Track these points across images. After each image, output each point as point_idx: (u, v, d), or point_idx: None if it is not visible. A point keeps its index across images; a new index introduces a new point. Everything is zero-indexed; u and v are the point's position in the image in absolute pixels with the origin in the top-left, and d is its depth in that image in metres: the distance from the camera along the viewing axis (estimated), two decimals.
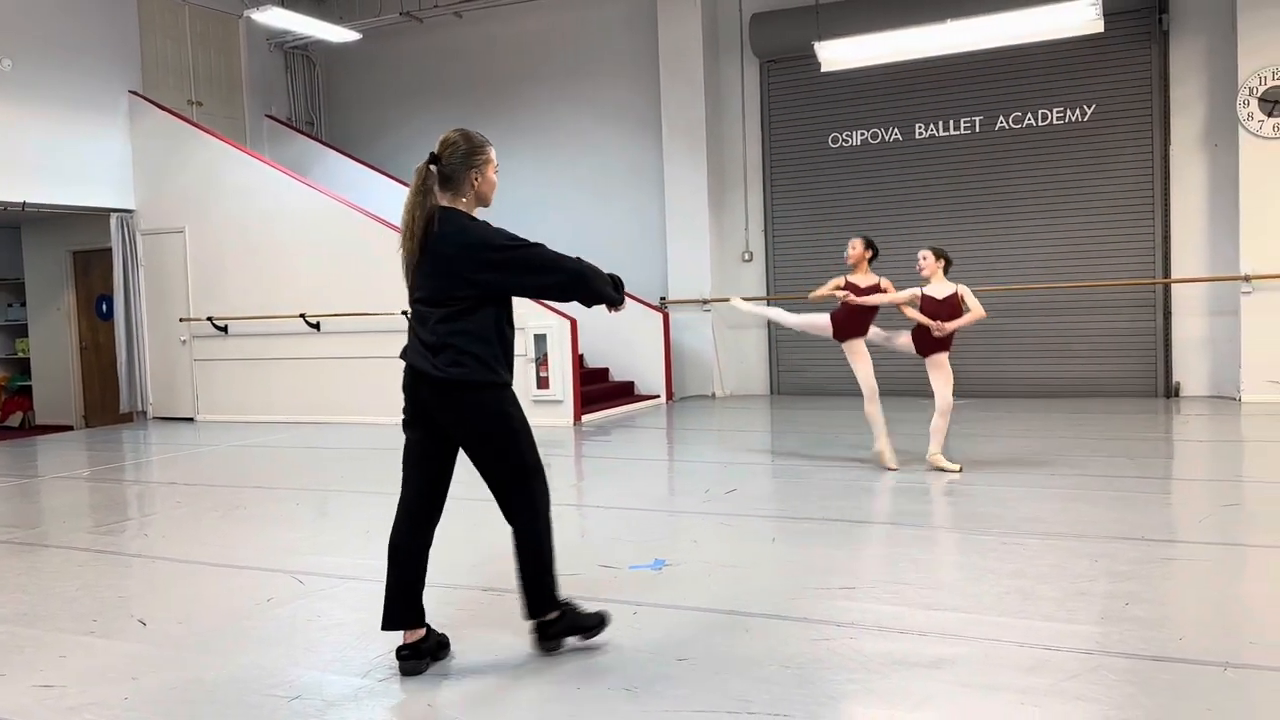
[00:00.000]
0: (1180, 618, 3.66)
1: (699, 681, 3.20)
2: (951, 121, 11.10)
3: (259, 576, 4.71)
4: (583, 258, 3.50)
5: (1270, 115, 9.45)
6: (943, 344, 6.57)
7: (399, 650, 3.42)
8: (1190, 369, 10.25)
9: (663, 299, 12.16)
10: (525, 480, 3.48)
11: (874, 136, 11.44)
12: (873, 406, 6.82)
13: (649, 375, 11.79)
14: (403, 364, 3.41)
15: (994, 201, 10.98)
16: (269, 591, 4.43)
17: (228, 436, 10.08)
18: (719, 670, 3.30)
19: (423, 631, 3.45)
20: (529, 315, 10.03)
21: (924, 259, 6.62)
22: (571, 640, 3.53)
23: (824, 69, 10.06)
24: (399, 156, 13.70)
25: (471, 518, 5.85)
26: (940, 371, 6.61)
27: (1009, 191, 10.90)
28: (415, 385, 3.37)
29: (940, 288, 6.56)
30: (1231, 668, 3.13)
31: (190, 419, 11.62)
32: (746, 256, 12.16)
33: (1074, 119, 10.58)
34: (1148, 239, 10.33)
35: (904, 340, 6.80)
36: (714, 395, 12.02)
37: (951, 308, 6.51)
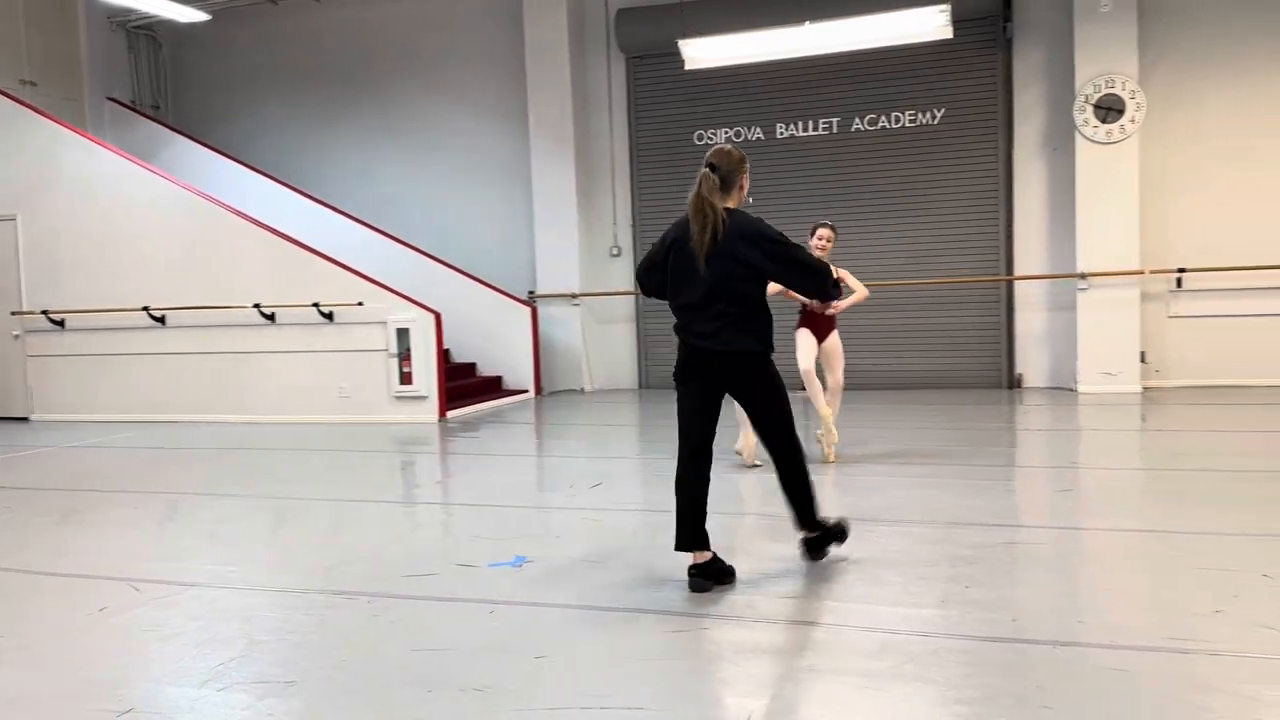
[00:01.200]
0: (1015, 599, 3.84)
1: (556, 679, 3.18)
2: (810, 122, 11.38)
3: (93, 585, 4.45)
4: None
5: (1104, 121, 10.03)
6: (832, 323, 6.85)
7: (690, 569, 4.05)
8: (1031, 362, 10.83)
9: (531, 293, 12.08)
10: (791, 424, 4.21)
11: (737, 135, 11.63)
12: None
13: (517, 370, 11.70)
14: (678, 339, 4.16)
15: (850, 201, 11.32)
16: (102, 601, 4.18)
17: (65, 437, 9.49)
18: (576, 666, 3.29)
19: (709, 555, 4.07)
20: (391, 309, 9.81)
21: (828, 238, 6.63)
22: (834, 551, 4.38)
23: (688, 66, 10.18)
24: (252, 143, 13.18)
25: (330, 519, 5.69)
26: (838, 353, 6.91)
27: (865, 191, 11.26)
28: (705, 360, 4.07)
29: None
30: (1060, 646, 3.31)
31: (24, 419, 10.90)
32: (615, 251, 12.20)
33: (925, 122, 11.00)
34: (993, 238, 10.83)
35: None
36: (583, 390, 12.02)
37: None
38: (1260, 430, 7.71)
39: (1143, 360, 10.20)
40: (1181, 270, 10.11)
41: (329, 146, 13.18)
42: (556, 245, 11.94)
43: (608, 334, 12.27)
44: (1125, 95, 9.91)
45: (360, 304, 9.80)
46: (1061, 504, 5.42)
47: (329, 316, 9.89)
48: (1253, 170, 9.98)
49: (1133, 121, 9.93)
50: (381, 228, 12.19)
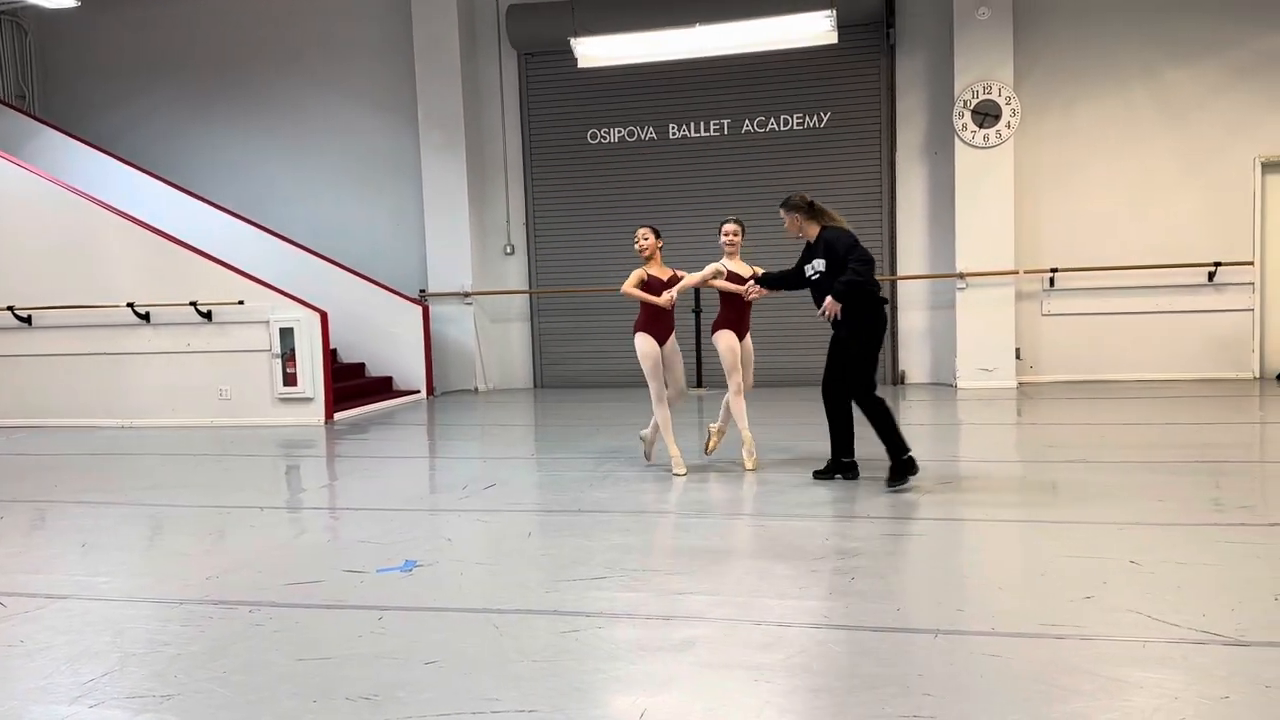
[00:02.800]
0: (900, 590, 3.96)
1: (445, 684, 3.13)
2: (702, 123, 11.51)
3: None
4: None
5: (982, 126, 10.42)
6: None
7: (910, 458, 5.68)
8: (914, 359, 11.18)
9: (422, 291, 11.88)
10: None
11: (630, 134, 11.67)
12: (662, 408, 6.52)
13: (408, 370, 11.49)
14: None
15: (741, 202, 11.45)
16: None
17: None
18: (468, 671, 3.24)
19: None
20: (273, 307, 9.52)
21: (733, 233, 6.47)
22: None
23: (580, 65, 10.16)
24: (126, 135, 12.62)
25: (210, 526, 5.47)
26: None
27: (754, 192, 11.42)
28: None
29: (741, 266, 6.52)
30: (941, 634, 3.42)
31: None
32: (508, 250, 12.10)
33: (812, 125, 11.25)
34: (878, 238, 11.14)
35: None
36: (476, 390, 11.89)
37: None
38: (1127, 423, 8.12)
39: (1018, 357, 10.64)
40: (1054, 270, 10.58)
41: (208, 139, 12.71)
42: (448, 243, 11.78)
43: (502, 333, 12.17)
44: (1001, 101, 10.32)
45: (241, 303, 9.47)
46: (942, 496, 5.60)
47: (207, 316, 9.54)
48: (1120, 173, 10.50)
49: (1008, 127, 10.34)
50: (264, 224, 11.82)
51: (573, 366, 11.85)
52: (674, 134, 11.58)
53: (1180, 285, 10.39)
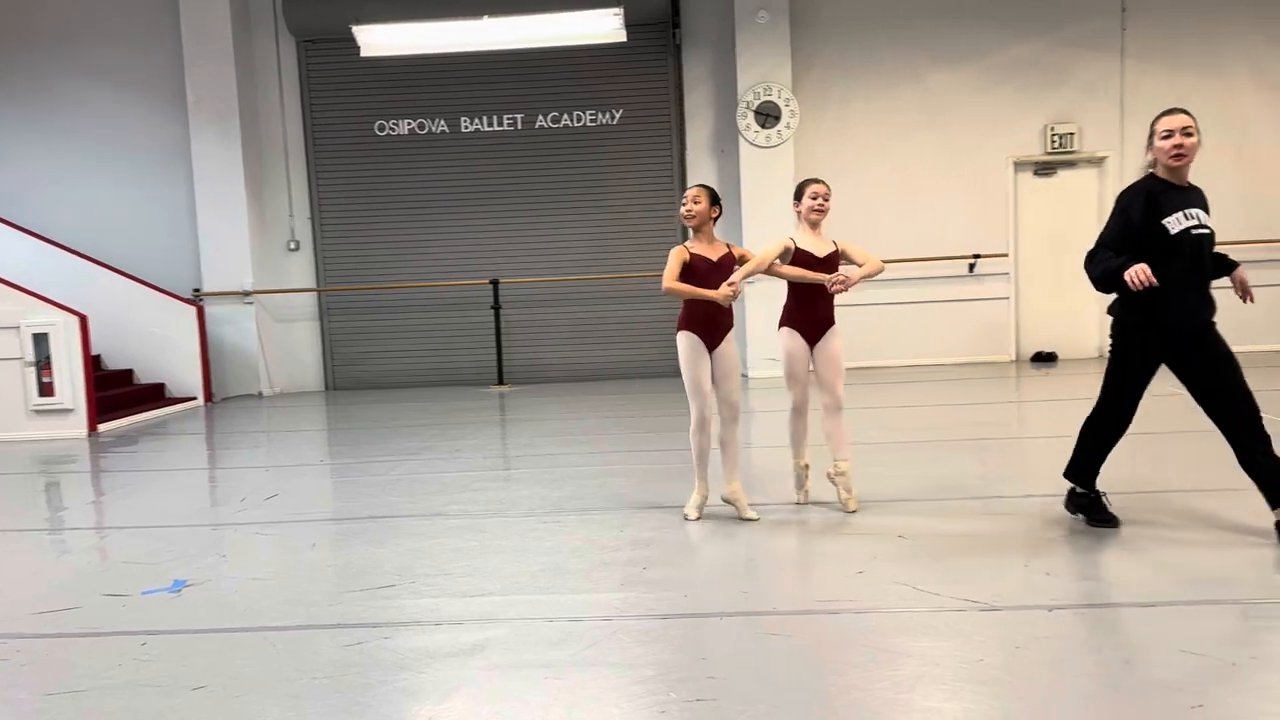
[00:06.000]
0: (689, 577, 4.03)
1: (214, 709, 2.93)
2: (495, 117, 11.38)
3: None
4: (1099, 254, 4.32)
5: (764, 126, 10.82)
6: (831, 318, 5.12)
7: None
8: None
9: (196, 291, 11.15)
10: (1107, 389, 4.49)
11: (420, 127, 11.40)
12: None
13: (183, 375, 10.77)
14: None
15: (535, 197, 11.45)
16: None
17: None
18: (240, 693, 3.05)
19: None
20: (25, 311, 8.68)
21: (827, 198, 5.06)
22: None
23: (364, 54, 9.83)
24: None
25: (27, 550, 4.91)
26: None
27: (549, 187, 11.43)
28: None
29: (818, 243, 5.00)
30: (726, 617, 3.51)
31: None
32: (293, 245, 11.55)
33: (605, 121, 11.34)
34: (670, 234, 11.37)
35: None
36: (261, 394, 11.29)
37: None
38: (901, 406, 8.64)
39: None
40: None
41: None
42: (225, 239, 11.11)
43: (288, 334, 11.60)
44: (780, 102, 10.75)
45: None
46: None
47: None
48: (889, 170, 11.17)
49: (788, 127, 10.79)
50: (14, 220, 10.76)
51: (367, 367, 11.46)
52: (466, 127, 11.40)
53: (945, 276, 11.17)
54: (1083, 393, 9.09)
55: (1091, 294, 11.31)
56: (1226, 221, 10.86)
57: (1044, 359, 11.26)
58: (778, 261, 4.87)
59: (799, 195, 4.99)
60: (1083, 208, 11.27)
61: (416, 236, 11.52)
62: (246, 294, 11.13)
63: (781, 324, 5.02)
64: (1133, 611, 3.38)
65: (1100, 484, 4.55)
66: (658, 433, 7.73)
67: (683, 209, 4.81)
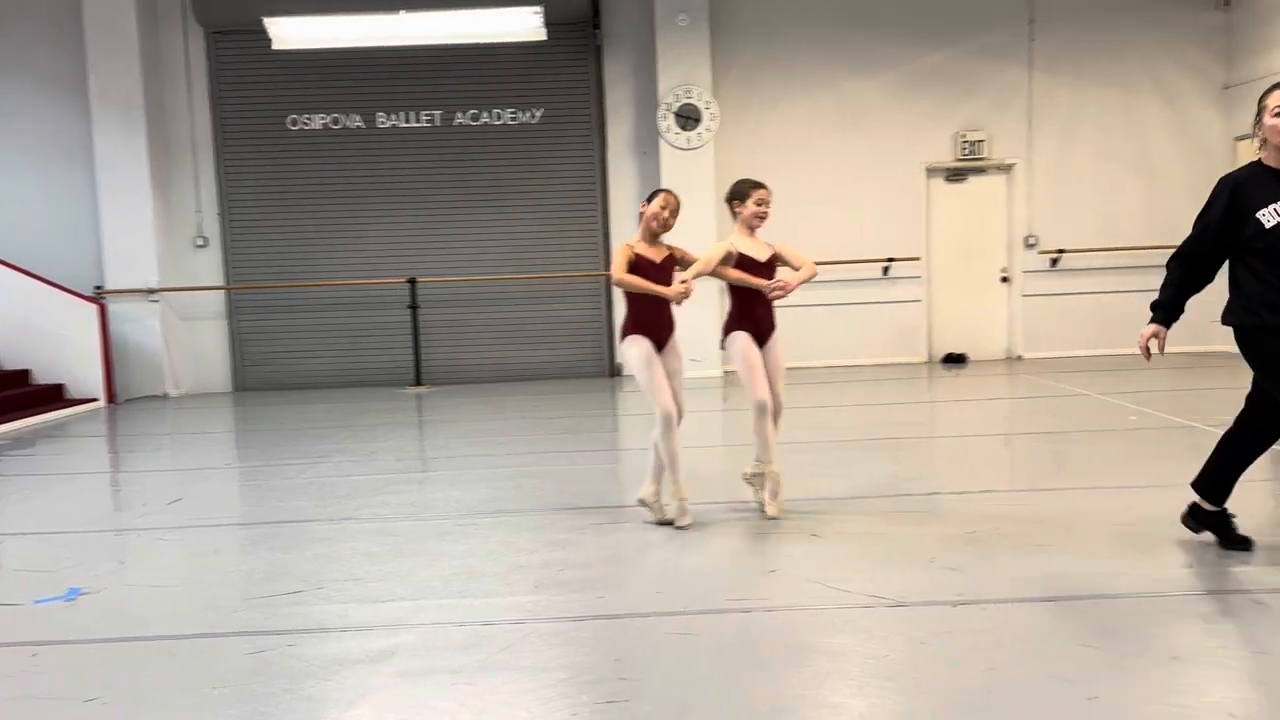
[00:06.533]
0: (603, 578, 4.02)
1: None
2: (413, 113, 11.21)
3: None
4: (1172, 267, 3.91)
5: (685, 129, 10.87)
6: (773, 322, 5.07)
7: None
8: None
9: (98, 288, 10.75)
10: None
11: (335, 121, 11.18)
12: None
13: (83, 376, 10.36)
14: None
15: (455, 195, 11.32)
16: None
17: None
18: (135, 706, 2.94)
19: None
20: None
21: (768, 205, 4.90)
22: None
23: (276, 46, 9.60)
24: None
25: None
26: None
27: (468, 186, 11.31)
28: None
29: (758, 248, 4.90)
30: (639, 617, 3.50)
31: None
32: (200, 242, 11.22)
33: (525, 120, 11.27)
34: (593, 234, 11.36)
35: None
36: (166, 395, 10.94)
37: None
38: (819, 406, 8.76)
39: (722, 347, 11.19)
40: None
41: None
42: (129, 235, 10.73)
43: (195, 333, 11.26)
44: (701, 105, 10.82)
45: None
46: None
47: None
48: (808, 175, 11.28)
49: (709, 129, 10.86)
50: None
51: (277, 367, 11.18)
52: (382, 123, 11.21)
53: (861, 279, 11.37)
54: (992, 393, 9.35)
55: (1001, 297, 11.64)
56: (1128, 229, 11.32)
57: (955, 360, 11.53)
58: (725, 267, 4.78)
59: (741, 198, 4.85)
60: (992, 213, 11.59)
61: (331, 234, 11.29)
62: (151, 292, 10.77)
63: (730, 329, 4.89)
64: (1034, 606, 3.47)
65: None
66: (576, 434, 7.70)
67: (663, 214, 4.69)
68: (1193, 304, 3.93)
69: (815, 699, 2.82)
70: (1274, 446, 3.98)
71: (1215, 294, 3.97)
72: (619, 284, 4.62)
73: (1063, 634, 3.21)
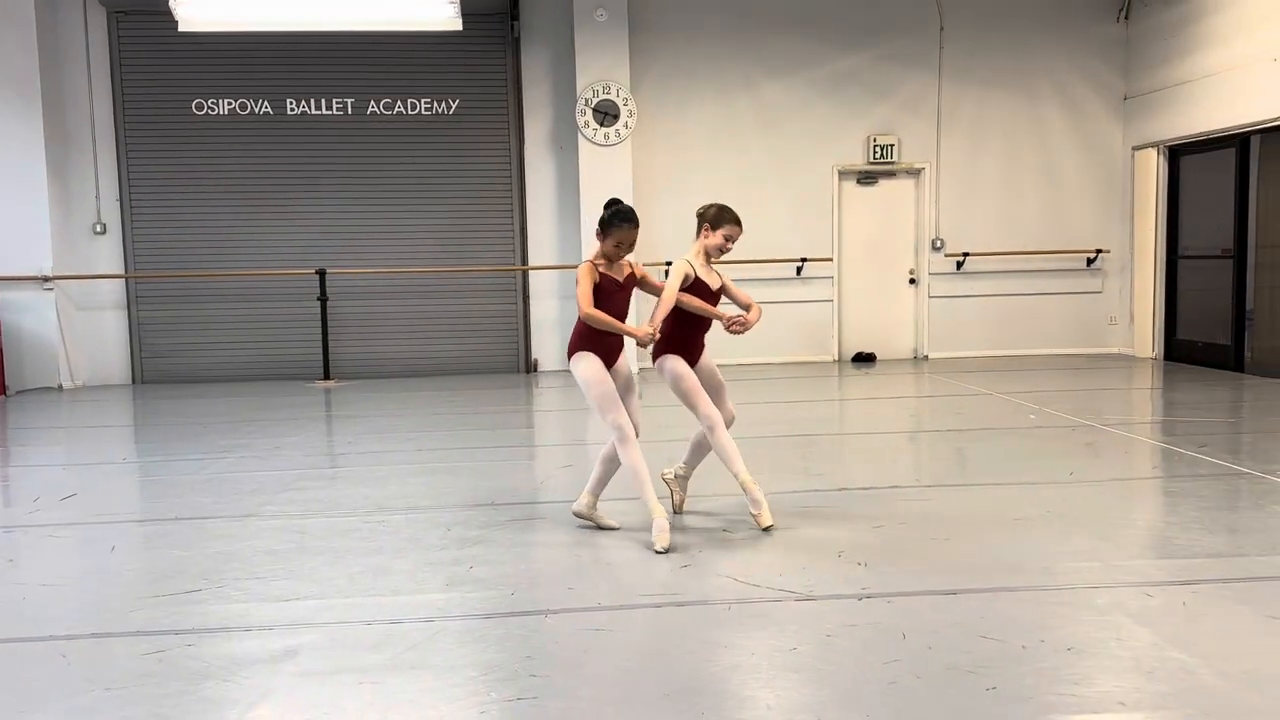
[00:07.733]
0: (515, 575, 3.99)
1: None
2: (324, 100, 10.97)
3: None
4: None
5: (602, 125, 10.86)
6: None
7: None
8: (546, 347, 11.44)
9: None
10: None
11: (243, 107, 10.86)
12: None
13: None
14: None
15: (367, 185, 11.11)
16: None
17: None
18: (23, 708, 2.82)
19: None
20: None
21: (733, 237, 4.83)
22: None
23: (182, 28, 9.29)
24: None
25: None
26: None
27: (382, 176, 11.11)
28: None
29: (713, 276, 4.89)
30: (551, 614, 3.49)
31: None
32: (99, 228, 10.79)
33: (441, 111, 11.12)
34: (509, 228, 11.26)
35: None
36: (61, 387, 10.49)
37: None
38: (759, 403, 8.82)
39: (640, 345, 11.21)
40: (667, 264, 11.27)
41: None
42: (21, 220, 10.25)
43: (92, 322, 10.82)
44: (619, 101, 10.82)
45: None
46: (563, 480, 5.75)
47: None
48: (723, 175, 11.35)
49: (626, 127, 10.87)
50: None
51: (179, 359, 10.81)
52: (292, 109, 10.93)
53: (775, 278, 11.51)
54: (898, 392, 9.57)
55: (909, 298, 11.92)
56: (1031, 232, 11.69)
57: (864, 359, 11.77)
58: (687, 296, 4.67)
59: (715, 224, 4.71)
60: (901, 215, 11.85)
61: (238, 223, 10.97)
62: (46, 279, 10.32)
63: (662, 351, 4.71)
64: (937, 599, 3.56)
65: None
66: (490, 429, 7.64)
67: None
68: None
69: (724, 692, 2.85)
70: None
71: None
72: (589, 319, 4.39)
73: (964, 626, 3.30)
